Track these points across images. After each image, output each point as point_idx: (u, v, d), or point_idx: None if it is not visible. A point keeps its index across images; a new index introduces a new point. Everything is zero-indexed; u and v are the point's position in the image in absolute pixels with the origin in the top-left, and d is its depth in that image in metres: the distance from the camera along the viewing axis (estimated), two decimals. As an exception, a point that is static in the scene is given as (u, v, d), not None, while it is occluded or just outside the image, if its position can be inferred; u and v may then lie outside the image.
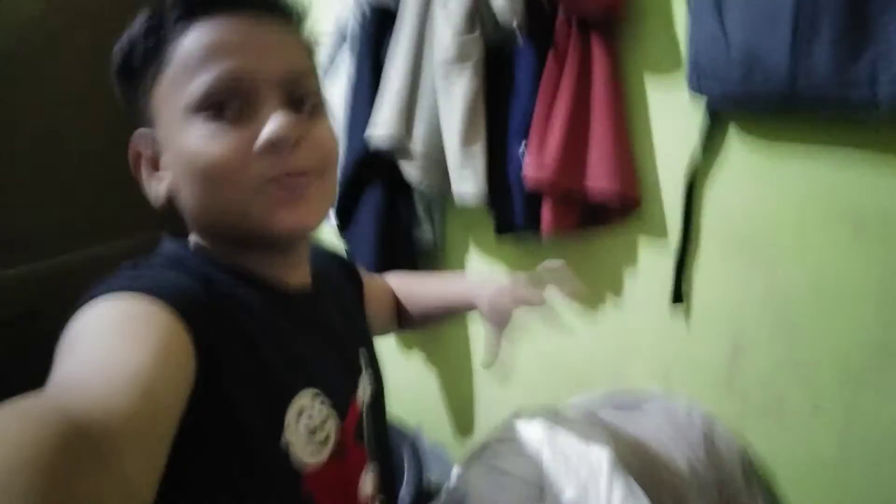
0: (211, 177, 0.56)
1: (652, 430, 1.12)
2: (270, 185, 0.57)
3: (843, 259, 1.07)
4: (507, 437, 1.02)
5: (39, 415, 0.34)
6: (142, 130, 0.62)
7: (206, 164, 0.56)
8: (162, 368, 0.43)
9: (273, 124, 0.56)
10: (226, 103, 0.56)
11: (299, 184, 0.58)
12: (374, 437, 0.73)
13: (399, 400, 1.71)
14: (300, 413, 0.58)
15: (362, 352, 0.77)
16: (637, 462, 1.01)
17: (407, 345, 1.74)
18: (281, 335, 0.61)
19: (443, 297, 1.01)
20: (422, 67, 1.32)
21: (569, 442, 1.00)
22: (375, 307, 0.94)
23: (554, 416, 1.05)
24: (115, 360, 0.42)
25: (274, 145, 0.56)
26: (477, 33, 1.24)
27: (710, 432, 1.14)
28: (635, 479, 0.92)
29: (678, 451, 1.08)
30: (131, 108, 0.63)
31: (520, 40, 1.24)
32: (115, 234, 1.78)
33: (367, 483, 0.69)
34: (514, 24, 1.19)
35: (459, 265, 1.57)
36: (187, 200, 0.60)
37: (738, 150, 1.14)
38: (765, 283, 1.15)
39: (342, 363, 0.71)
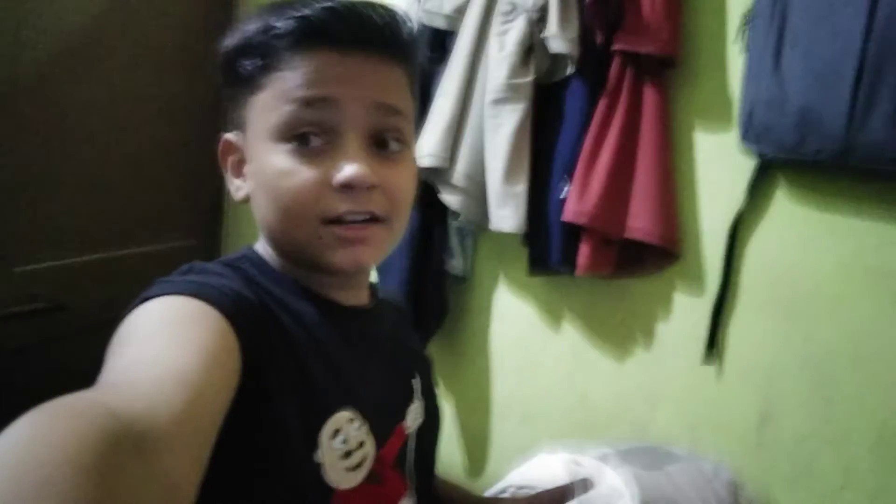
0: (283, 207, 0.57)
1: (676, 488, 1.09)
2: (334, 226, 0.57)
3: (885, 324, 1.05)
4: (527, 483, 0.99)
5: (85, 412, 0.33)
6: (229, 136, 0.64)
7: (281, 194, 0.57)
8: (209, 371, 0.43)
9: (352, 168, 0.56)
10: (310, 133, 0.57)
11: (358, 231, 0.58)
12: (418, 468, 0.70)
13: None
14: (336, 433, 0.57)
15: (415, 382, 0.74)
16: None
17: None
18: (328, 351, 0.60)
19: None
20: (470, 102, 1.33)
21: (595, 493, 0.98)
22: None
23: (578, 466, 1.03)
24: (163, 361, 0.42)
25: (349, 187, 0.56)
26: (530, 78, 1.25)
27: (734, 498, 1.11)
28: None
29: (702, 500, 1.05)
30: (230, 108, 0.64)
31: (570, 70, 1.24)
32: (148, 238, 1.80)
33: None
34: (567, 52, 1.20)
35: (488, 298, 1.56)
36: (259, 213, 0.62)
37: (785, 204, 1.13)
38: (802, 344, 1.13)
39: (390, 388, 0.69)
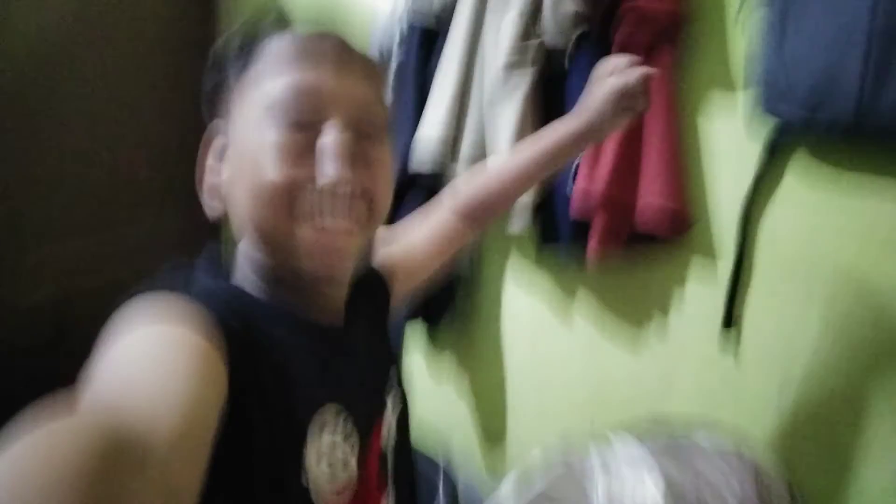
0: (258, 193, 0.56)
1: (701, 466, 1.07)
2: (305, 229, 0.57)
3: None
4: (556, 496, 0.98)
5: (83, 432, 0.34)
6: (217, 121, 0.63)
7: (259, 180, 0.56)
8: (201, 387, 0.44)
9: (334, 165, 0.56)
10: (293, 117, 0.56)
11: (332, 237, 0.58)
12: (397, 461, 0.72)
13: (427, 430, 1.66)
14: (322, 427, 0.58)
15: (392, 370, 0.75)
16: (690, 488, 0.97)
17: (437, 374, 1.70)
18: (307, 356, 0.61)
19: (539, 158, 0.93)
20: (472, 80, 1.31)
21: (620, 479, 0.97)
22: (422, 261, 0.91)
23: (603, 452, 1.01)
24: (156, 381, 0.43)
25: (330, 191, 0.56)
26: (540, 40, 1.23)
27: (759, 468, 1.09)
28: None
29: (728, 488, 1.03)
30: (213, 102, 0.64)
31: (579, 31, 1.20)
32: (149, 221, 1.80)
33: None
34: (579, 10, 1.17)
35: (496, 292, 1.54)
36: (233, 215, 0.61)
37: (799, 176, 1.11)
38: (820, 316, 1.11)
39: (369, 387, 0.70)
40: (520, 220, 1.28)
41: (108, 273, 1.65)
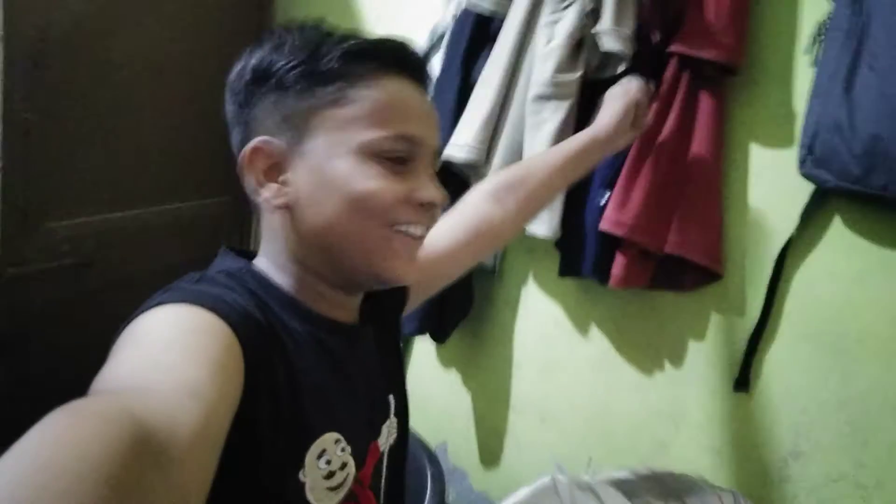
0: (363, 209, 0.63)
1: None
2: (397, 236, 0.65)
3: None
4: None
5: (110, 418, 0.34)
6: (268, 139, 0.64)
7: (363, 197, 0.62)
8: (221, 387, 0.45)
9: (435, 192, 0.67)
10: (392, 155, 0.64)
11: (417, 245, 0.68)
12: (389, 485, 0.74)
13: (427, 415, 1.67)
14: (321, 454, 0.60)
15: (391, 398, 0.77)
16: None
17: (445, 361, 1.70)
18: (318, 370, 0.63)
19: (564, 156, 1.04)
20: (512, 96, 1.25)
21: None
22: (448, 250, 0.93)
23: (593, 492, 1.00)
24: (179, 371, 0.43)
25: (427, 208, 0.66)
26: (578, 74, 1.17)
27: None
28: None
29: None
30: (248, 109, 0.66)
31: (622, 68, 1.16)
32: (183, 195, 1.80)
33: None
34: (620, 51, 1.12)
35: (516, 297, 1.52)
36: (316, 220, 0.64)
37: (840, 235, 1.05)
38: (841, 382, 1.06)
39: (369, 406, 0.72)
40: (543, 224, 1.24)
41: (132, 246, 1.67)
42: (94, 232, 1.60)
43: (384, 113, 0.63)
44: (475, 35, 1.34)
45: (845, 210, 1.04)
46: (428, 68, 0.71)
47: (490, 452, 1.63)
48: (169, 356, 0.45)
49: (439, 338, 1.53)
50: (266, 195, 0.65)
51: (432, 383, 1.71)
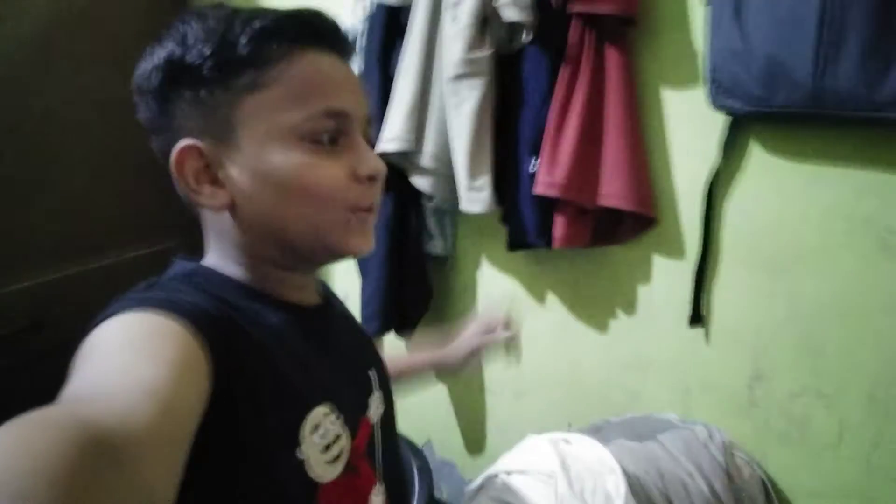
0: (311, 197, 0.61)
1: (670, 456, 1.08)
2: (353, 215, 0.63)
3: (871, 276, 1.02)
4: (517, 468, 0.98)
5: (60, 424, 0.34)
6: (193, 142, 0.60)
7: (312, 185, 0.60)
8: (178, 383, 0.44)
9: (375, 162, 0.64)
10: (324, 134, 0.61)
11: (369, 216, 0.66)
12: (384, 458, 0.73)
13: (410, 414, 1.67)
14: (315, 428, 0.59)
15: (372, 373, 0.77)
16: (655, 491, 0.98)
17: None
18: (295, 350, 0.62)
19: (411, 364, 1.06)
20: (431, 80, 1.28)
21: (584, 470, 0.97)
22: None
23: (567, 444, 1.01)
24: (133, 374, 0.43)
25: (373, 180, 0.64)
26: (487, 51, 1.20)
27: (729, 459, 1.10)
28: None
29: (697, 478, 1.04)
30: (165, 111, 0.61)
31: (526, 38, 1.19)
32: (127, 244, 1.77)
33: (377, 502, 0.70)
34: (522, 20, 1.15)
35: (471, 277, 1.54)
36: (258, 214, 0.62)
37: (760, 163, 1.09)
38: (788, 300, 1.10)
39: (353, 381, 0.72)
40: (476, 202, 1.26)
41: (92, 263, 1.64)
42: (43, 293, 1.57)
43: (304, 90, 0.60)
44: (387, 29, 1.37)
45: (760, 133, 1.09)
46: (345, 34, 0.66)
47: (474, 440, 1.64)
48: (122, 362, 0.44)
49: (404, 333, 1.54)
50: (202, 199, 0.62)
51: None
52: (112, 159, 1.70)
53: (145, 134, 0.65)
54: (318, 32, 0.62)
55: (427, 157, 1.30)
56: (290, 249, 0.64)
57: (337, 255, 0.66)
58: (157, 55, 0.60)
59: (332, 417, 0.62)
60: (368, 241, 0.66)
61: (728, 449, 1.11)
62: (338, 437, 0.62)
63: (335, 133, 0.62)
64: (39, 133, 1.56)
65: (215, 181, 0.61)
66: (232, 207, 0.62)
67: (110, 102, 1.68)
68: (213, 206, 0.62)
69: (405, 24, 1.34)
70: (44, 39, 1.56)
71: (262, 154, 0.60)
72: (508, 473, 0.99)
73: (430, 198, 1.40)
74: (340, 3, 1.54)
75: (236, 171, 0.61)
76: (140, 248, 1.79)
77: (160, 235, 1.79)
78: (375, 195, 0.66)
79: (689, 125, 1.15)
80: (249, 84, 0.59)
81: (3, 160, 1.49)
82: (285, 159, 0.59)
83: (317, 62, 0.61)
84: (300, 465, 0.57)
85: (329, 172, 0.61)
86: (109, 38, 1.68)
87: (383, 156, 1.31)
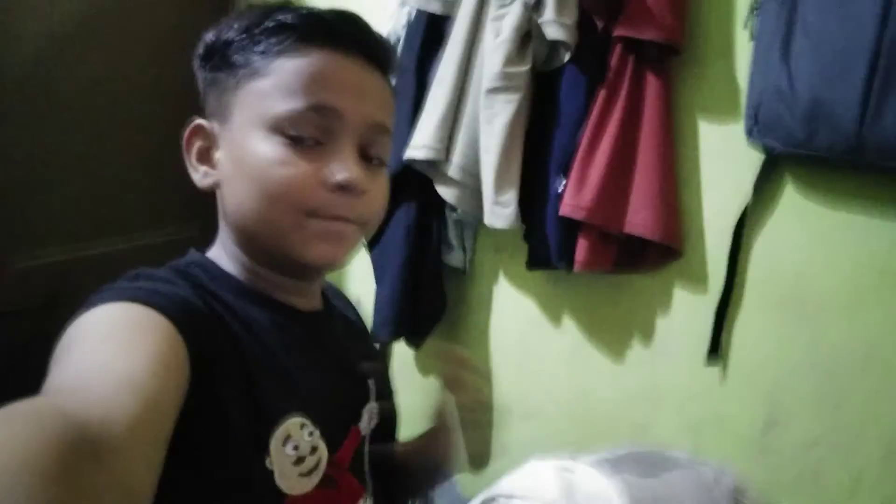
0: (271, 194, 0.58)
1: (677, 493, 1.05)
2: (311, 220, 0.59)
3: (896, 326, 1.00)
4: (517, 493, 0.96)
5: (40, 417, 0.34)
6: (202, 122, 0.64)
7: (271, 181, 0.58)
8: (159, 377, 0.44)
9: (350, 171, 0.59)
10: (307, 132, 0.59)
11: (339, 226, 0.61)
12: (375, 471, 0.71)
13: (411, 427, 1.66)
14: (287, 439, 0.58)
15: (371, 383, 0.74)
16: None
17: (423, 368, 1.69)
18: (278, 357, 0.61)
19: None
20: (467, 91, 1.27)
21: (585, 502, 0.95)
22: None
23: (570, 473, 0.99)
24: (114, 367, 0.43)
25: (344, 189, 0.59)
26: (527, 67, 1.19)
27: (740, 501, 1.07)
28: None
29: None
30: (202, 89, 0.65)
31: (567, 57, 1.18)
32: (146, 229, 1.78)
33: None
34: (565, 39, 1.14)
35: (487, 292, 1.52)
36: (233, 202, 0.61)
37: (794, 201, 1.07)
38: (809, 346, 1.08)
39: (344, 391, 0.69)
40: (500, 217, 1.25)
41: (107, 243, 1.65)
42: (60, 271, 1.58)
43: (299, 82, 0.58)
44: (428, 36, 1.37)
45: (796, 175, 1.06)
46: (377, 41, 0.64)
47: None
48: (104, 353, 0.44)
49: (415, 342, 1.52)
50: (196, 176, 0.63)
51: (412, 392, 1.70)
52: (139, 146, 1.71)
53: (175, 118, 0.66)
54: (334, 33, 0.61)
55: (455, 168, 1.29)
56: (261, 247, 0.62)
57: (296, 261, 0.61)
58: (207, 34, 0.63)
59: (308, 430, 0.60)
60: (336, 252, 0.62)
61: (735, 494, 1.09)
62: (314, 450, 0.60)
63: (321, 131, 0.59)
64: (70, 117, 1.57)
65: (211, 162, 0.63)
66: (219, 192, 0.63)
67: (146, 84, 1.71)
68: (201, 186, 0.63)
69: (445, 33, 1.34)
70: (77, 21, 1.57)
71: (243, 140, 0.60)
72: (508, 498, 0.97)
73: (454, 209, 1.39)
74: (383, 8, 1.55)
75: (224, 155, 0.62)
76: (162, 234, 1.80)
77: (181, 223, 1.80)
78: (353, 206, 0.61)
79: (724, 159, 1.13)
80: (251, 72, 0.60)
81: (34, 143, 1.50)
82: (259, 149, 0.59)
83: (323, 60, 0.60)
84: (268, 476, 0.56)
85: (294, 171, 0.58)
86: (144, 27, 1.69)
87: (411, 163, 1.31)
